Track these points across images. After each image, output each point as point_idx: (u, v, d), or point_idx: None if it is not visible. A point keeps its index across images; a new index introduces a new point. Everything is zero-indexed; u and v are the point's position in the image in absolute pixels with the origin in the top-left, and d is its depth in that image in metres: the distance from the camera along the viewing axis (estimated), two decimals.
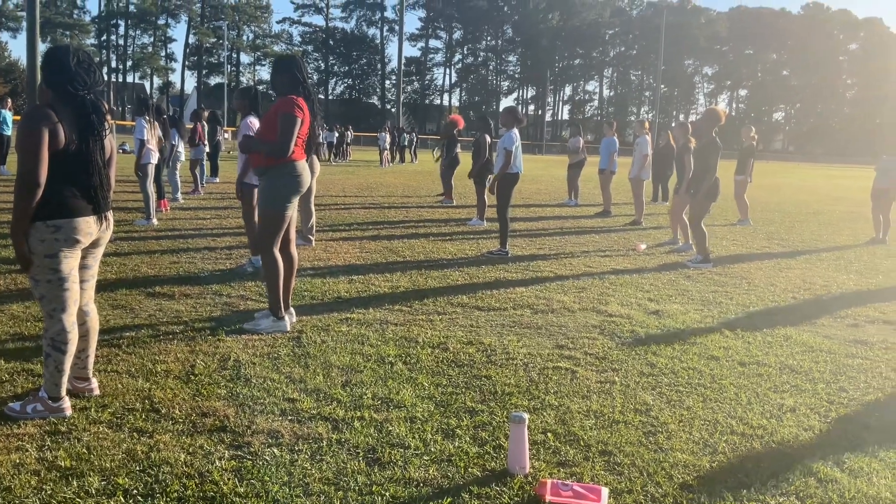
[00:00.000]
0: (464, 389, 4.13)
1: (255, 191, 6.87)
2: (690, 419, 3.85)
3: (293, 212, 5.09)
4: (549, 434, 3.56)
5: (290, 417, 3.62)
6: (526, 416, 3.13)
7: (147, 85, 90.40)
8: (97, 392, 3.78)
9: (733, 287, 7.57)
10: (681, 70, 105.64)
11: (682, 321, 6.01)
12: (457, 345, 5.00)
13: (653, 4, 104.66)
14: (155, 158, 10.19)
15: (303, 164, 5.01)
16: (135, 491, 2.83)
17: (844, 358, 5.14)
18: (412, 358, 4.65)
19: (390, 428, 3.54)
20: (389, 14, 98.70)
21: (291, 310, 5.40)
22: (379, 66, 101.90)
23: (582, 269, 8.30)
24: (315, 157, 8.74)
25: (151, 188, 10.14)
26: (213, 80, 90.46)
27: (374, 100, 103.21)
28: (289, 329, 5.13)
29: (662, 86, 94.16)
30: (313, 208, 9.10)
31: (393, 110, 72.57)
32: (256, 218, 6.31)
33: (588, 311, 6.21)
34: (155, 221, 10.16)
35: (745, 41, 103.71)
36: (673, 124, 12.59)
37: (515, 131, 8.77)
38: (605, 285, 7.37)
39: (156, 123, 10.34)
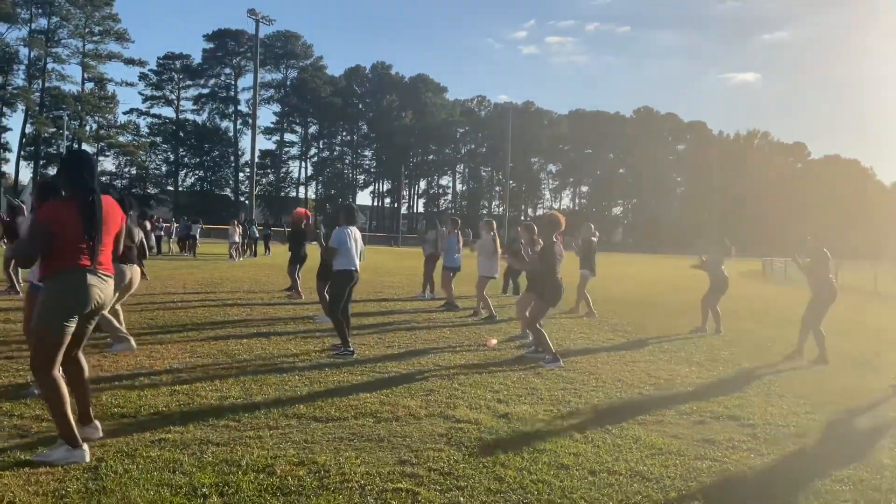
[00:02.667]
0: None
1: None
2: None
3: (71, 331, 4.39)
4: None
5: None
6: None
7: None
8: None
9: (581, 384, 7.45)
10: (527, 167, 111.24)
11: (532, 424, 5.74)
12: (286, 466, 4.43)
13: (499, 106, 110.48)
14: None
15: (86, 275, 4.36)
16: None
17: (693, 460, 5.01)
18: (230, 487, 4.04)
19: None
20: (243, 108, 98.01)
21: (96, 423, 4.67)
22: (232, 158, 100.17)
23: (431, 367, 7.95)
24: (129, 264, 8.03)
25: None
26: (52, 171, 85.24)
27: (228, 192, 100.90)
28: (87, 459, 4.35)
29: (511, 181, 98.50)
30: (119, 308, 8.34)
31: (246, 202, 71.12)
32: None
33: (435, 418, 5.81)
34: None
35: (584, 141, 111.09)
36: (521, 220, 12.92)
37: (348, 229, 8.52)
38: (454, 386, 7.03)
39: None
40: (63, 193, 4.49)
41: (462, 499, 4.05)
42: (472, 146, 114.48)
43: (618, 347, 10.17)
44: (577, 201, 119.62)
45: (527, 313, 9.50)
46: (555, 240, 8.81)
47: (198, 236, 34.18)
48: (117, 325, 8.07)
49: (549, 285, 8.56)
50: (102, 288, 4.46)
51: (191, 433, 5.05)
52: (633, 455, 5.05)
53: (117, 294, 8.08)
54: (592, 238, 14.43)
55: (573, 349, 9.78)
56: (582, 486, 4.38)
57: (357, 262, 8.53)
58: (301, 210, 15.20)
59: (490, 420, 5.80)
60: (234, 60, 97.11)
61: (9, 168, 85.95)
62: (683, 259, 46.23)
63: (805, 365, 9.45)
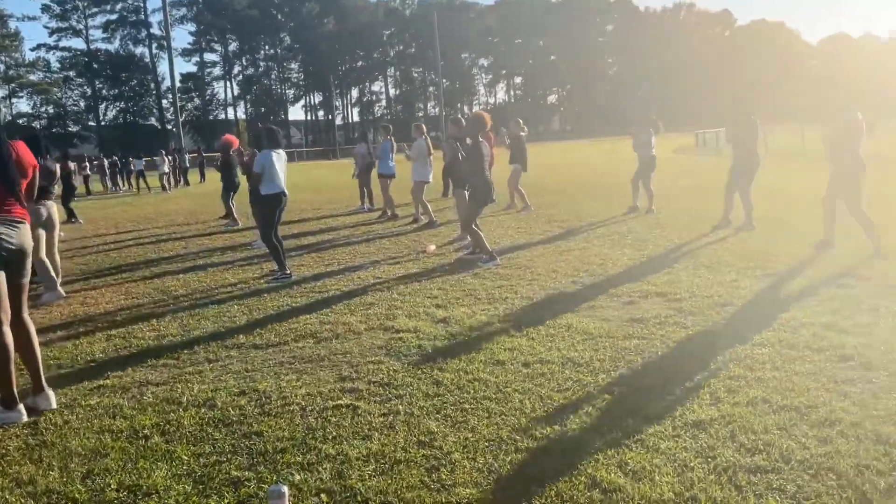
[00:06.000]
0: (230, 455, 3.65)
1: None
2: (475, 442, 3.64)
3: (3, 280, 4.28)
4: (322, 496, 3.19)
5: None
6: (285, 488, 2.74)
7: None
8: None
9: (518, 279, 7.62)
10: (459, 64, 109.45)
11: (469, 326, 5.88)
12: (227, 398, 4.49)
13: (424, 3, 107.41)
14: None
15: None
16: None
17: (622, 340, 5.22)
18: (172, 425, 4.09)
19: None
20: (156, 31, 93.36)
21: (48, 392, 4.55)
22: (153, 85, 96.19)
23: (371, 281, 8.02)
24: (43, 202, 7.74)
25: None
26: None
27: (153, 121, 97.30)
28: (24, 419, 4.32)
29: (444, 80, 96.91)
30: (57, 256, 8.13)
31: (174, 130, 68.79)
32: None
33: (375, 331, 5.91)
34: None
35: (513, 31, 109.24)
36: (448, 119, 12.76)
37: (272, 153, 8.31)
38: (394, 297, 7.12)
39: None
40: None
41: (401, 407, 4.18)
42: (401, 48, 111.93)
43: (553, 238, 10.37)
44: (511, 93, 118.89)
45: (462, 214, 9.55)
46: (481, 139, 8.77)
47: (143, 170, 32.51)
48: (52, 274, 7.89)
49: (478, 184, 8.59)
50: (13, 234, 4.30)
51: (129, 377, 5.05)
52: (566, 343, 5.25)
53: (46, 236, 7.87)
54: (521, 133, 14.42)
55: (510, 245, 9.94)
56: (516, 379, 4.55)
57: (283, 184, 8.39)
58: (228, 137, 14.75)
59: (429, 327, 5.92)
60: None
61: None
62: (620, 141, 46.71)
63: (732, 233, 9.79)
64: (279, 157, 8.43)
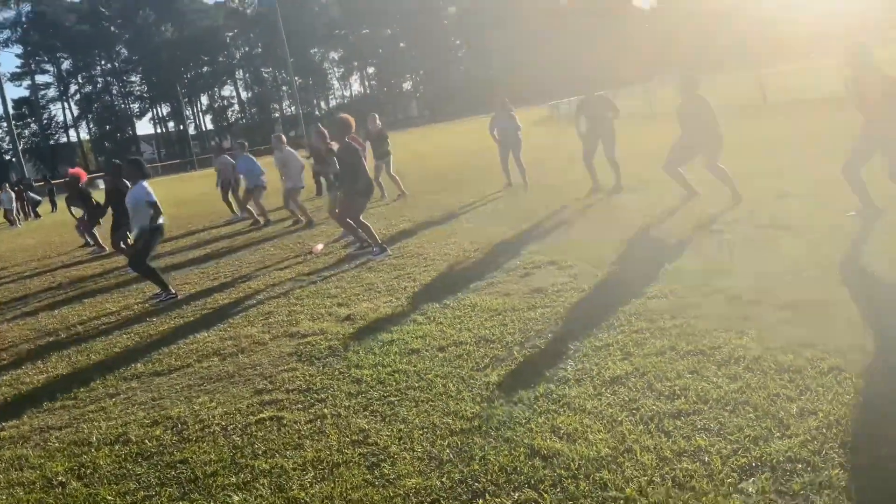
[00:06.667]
0: (158, 488, 3.50)
1: None
2: (409, 433, 3.66)
3: None
4: None
5: None
6: None
7: None
8: None
9: (413, 267, 7.66)
10: (309, 59, 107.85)
11: (376, 319, 5.87)
12: (140, 430, 4.29)
13: (264, 1, 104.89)
14: None
15: None
16: None
17: (527, 312, 5.38)
18: (87, 468, 3.87)
19: None
20: None
21: None
22: None
23: (263, 289, 7.83)
24: None
25: None
26: None
27: None
28: None
29: (297, 77, 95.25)
30: None
31: (13, 160, 64.07)
32: None
33: (280, 339, 5.79)
34: None
35: (359, 22, 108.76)
36: (312, 130, 12.78)
37: (143, 184, 7.96)
38: (292, 302, 7.00)
39: None
40: None
41: (326, 410, 4.14)
42: (247, 49, 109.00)
43: (438, 222, 10.48)
44: (366, 84, 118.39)
45: (343, 213, 9.44)
46: (347, 140, 8.72)
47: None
48: None
49: (360, 180, 8.54)
50: None
51: (27, 424, 4.72)
52: (474, 322, 5.34)
53: None
54: (379, 125, 14.54)
55: (398, 235, 9.96)
56: (434, 364, 4.60)
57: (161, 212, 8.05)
58: (74, 170, 13.93)
59: (335, 326, 5.87)
60: None
61: None
62: (478, 121, 47.63)
63: (605, 196, 10.24)
64: (148, 190, 8.07)
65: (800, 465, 2.80)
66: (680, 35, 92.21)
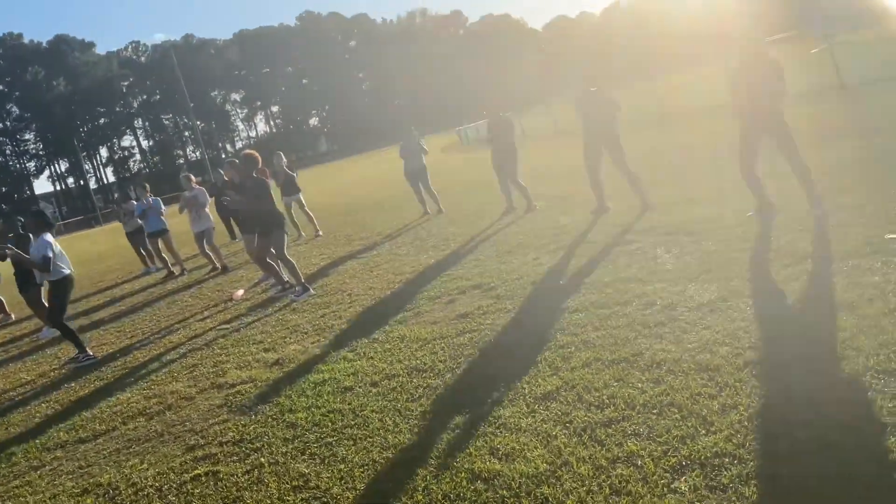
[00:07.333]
0: None
1: None
2: (349, 472, 3.66)
3: None
4: None
5: None
6: None
7: None
8: None
9: (337, 304, 7.64)
10: (210, 102, 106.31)
11: (305, 361, 5.83)
12: (70, 502, 4.13)
13: (159, 47, 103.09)
14: None
15: None
16: None
17: (456, 338, 5.45)
18: None
19: None
20: None
21: None
22: None
23: (185, 341, 7.65)
24: None
25: None
26: None
27: None
28: None
29: (199, 122, 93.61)
30: None
31: None
32: None
33: (208, 391, 5.67)
34: None
35: (259, 62, 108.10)
36: (224, 163, 12.54)
37: (46, 236, 7.72)
38: (216, 352, 6.86)
39: None
40: None
41: (263, 459, 4.08)
42: (145, 96, 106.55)
43: (358, 256, 10.48)
44: (272, 123, 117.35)
45: (263, 252, 9.33)
46: (255, 175, 8.66)
47: None
48: None
49: (275, 213, 8.50)
50: None
51: None
52: (404, 353, 5.38)
53: None
54: (283, 166, 14.38)
55: (319, 272, 9.91)
56: (369, 400, 4.60)
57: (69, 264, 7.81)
58: None
59: (264, 373, 5.79)
60: None
61: None
62: (386, 153, 47.89)
63: (519, 216, 10.48)
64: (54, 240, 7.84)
65: (727, 460, 2.95)
66: (570, 55, 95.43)
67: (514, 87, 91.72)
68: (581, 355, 4.44)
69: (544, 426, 3.64)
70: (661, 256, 6.37)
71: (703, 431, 3.21)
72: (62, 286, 7.75)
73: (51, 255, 7.63)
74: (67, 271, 7.79)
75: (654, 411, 3.50)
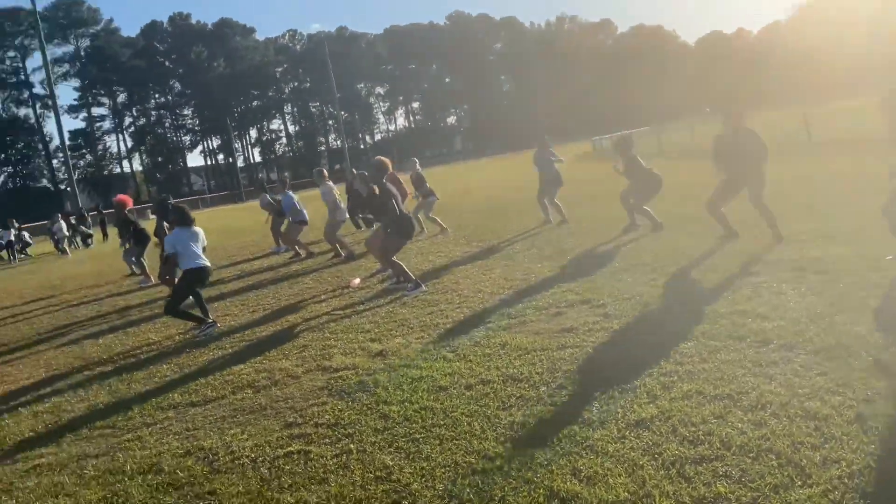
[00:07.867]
0: None
1: None
2: (431, 470, 3.71)
3: None
4: None
5: None
6: None
7: None
8: None
9: (446, 304, 7.73)
10: (356, 94, 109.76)
11: (407, 355, 5.94)
12: (172, 460, 4.41)
13: (313, 37, 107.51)
14: None
15: None
16: None
17: (556, 351, 5.39)
18: (120, 497, 3.99)
19: None
20: (39, 90, 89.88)
21: None
22: (41, 146, 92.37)
23: (300, 322, 7.97)
24: None
25: None
26: None
27: (45, 182, 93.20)
28: None
29: (343, 112, 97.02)
30: None
31: (68, 190, 66.28)
32: None
33: (313, 373, 5.90)
34: None
35: (405, 57, 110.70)
36: (355, 170, 13.11)
37: (183, 231, 8.18)
38: (326, 336, 7.11)
39: None
40: None
41: (352, 445, 4.20)
42: (296, 83, 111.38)
43: (474, 258, 10.55)
44: (411, 119, 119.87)
45: (381, 247, 9.58)
46: (385, 181, 8.88)
47: (25, 238, 31.31)
48: None
49: (397, 221, 8.69)
50: None
51: (66, 452, 4.88)
52: (503, 361, 5.38)
53: None
54: (418, 170, 14.86)
55: (434, 270, 10.06)
56: (461, 402, 4.64)
57: (203, 256, 8.25)
58: (121, 198, 14.31)
59: (366, 361, 5.95)
60: (17, 41, 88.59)
61: None
62: (520, 156, 47.87)
63: (642, 234, 10.21)
64: (192, 235, 8.26)
65: None
66: (720, 72, 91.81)
67: (658, 100, 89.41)
68: (683, 386, 4.29)
69: (632, 454, 3.54)
70: (786, 293, 6.04)
71: (800, 483, 3.03)
72: (187, 276, 8.17)
73: (170, 250, 8.12)
74: (191, 265, 8.12)
75: (751, 454, 3.34)
